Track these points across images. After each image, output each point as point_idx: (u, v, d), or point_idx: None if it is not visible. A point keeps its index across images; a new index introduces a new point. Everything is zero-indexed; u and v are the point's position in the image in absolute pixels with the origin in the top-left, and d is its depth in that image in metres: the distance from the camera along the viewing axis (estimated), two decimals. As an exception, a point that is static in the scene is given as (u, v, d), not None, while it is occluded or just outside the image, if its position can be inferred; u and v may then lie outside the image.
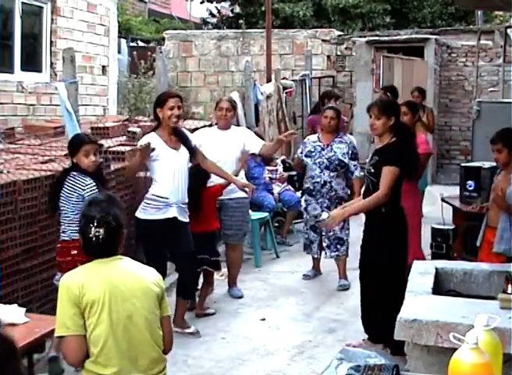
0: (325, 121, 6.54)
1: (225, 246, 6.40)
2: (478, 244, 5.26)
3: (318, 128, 8.50)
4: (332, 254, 6.51)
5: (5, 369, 1.59)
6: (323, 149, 6.42)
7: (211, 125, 7.90)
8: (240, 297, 6.32)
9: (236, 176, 6.04)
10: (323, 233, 6.49)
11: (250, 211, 6.74)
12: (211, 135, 6.21)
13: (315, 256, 6.78)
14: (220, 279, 6.67)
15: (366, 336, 4.97)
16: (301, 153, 6.59)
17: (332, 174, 6.37)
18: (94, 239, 2.91)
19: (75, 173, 4.58)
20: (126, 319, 2.85)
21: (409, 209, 5.26)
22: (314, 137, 6.65)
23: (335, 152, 6.38)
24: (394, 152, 4.71)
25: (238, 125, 8.06)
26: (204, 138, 6.11)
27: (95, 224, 2.91)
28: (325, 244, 6.55)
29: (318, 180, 6.41)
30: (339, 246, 6.47)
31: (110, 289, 2.84)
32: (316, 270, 6.94)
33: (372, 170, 4.78)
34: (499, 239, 4.90)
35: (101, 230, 2.91)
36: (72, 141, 4.79)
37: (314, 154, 6.45)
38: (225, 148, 6.06)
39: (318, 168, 6.40)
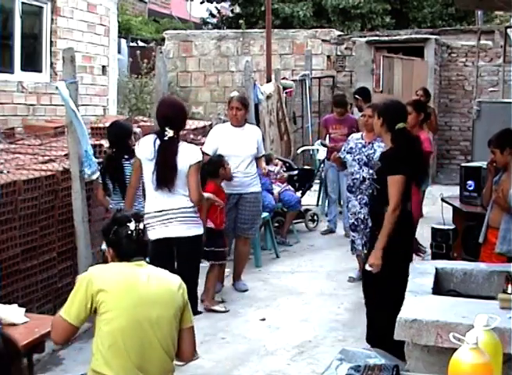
0: (362, 120, 6.60)
1: (236, 240, 6.49)
2: (480, 240, 5.25)
3: (330, 128, 8.56)
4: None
5: (11, 370, 1.61)
6: (364, 146, 6.37)
7: (211, 125, 7.92)
8: (245, 290, 6.44)
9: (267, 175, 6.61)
10: (360, 231, 6.30)
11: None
12: (226, 132, 6.37)
13: (360, 254, 6.54)
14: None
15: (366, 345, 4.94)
16: (344, 150, 6.55)
17: (371, 171, 6.29)
18: (134, 234, 2.98)
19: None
20: (140, 324, 2.85)
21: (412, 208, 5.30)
22: (358, 135, 6.61)
23: (375, 150, 6.26)
24: (394, 160, 4.64)
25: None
26: (220, 135, 6.35)
27: (133, 220, 3.00)
28: (362, 242, 6.33)
29: (357, 176, 6.35)
30: None
31: (128, 292, 2.88)
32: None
33: (375, 176, 4.78)
34: (502, 240, 4.91)
35: (141, 225, 3.01)
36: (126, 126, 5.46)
37: (354, 150, 6.41)
38: (241, 144, 6.26)
39: (357, 164, 6.35)
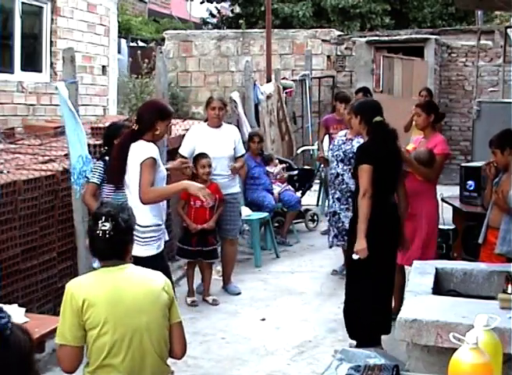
0: (347, 118, 6.65)
1: (222, 241, 6.45)
2: (480, 241, 5.27)
3: (331, 128, 8.59)
4: (339, 243, 6.45)
5: (33, 359, 1.64)
6: (344, 143, 6.43)
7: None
8: (239, 293, 6.38)
9: (235, 174, 6.35)
10: (332, 224, 6.47)
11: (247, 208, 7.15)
12: (203, 133, 6.30)
13: (330, 246, 6.69)
14: (219, 279, 6.68)
15: None
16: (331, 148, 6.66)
17: (345, 167, 6.33)
18: (100, 235, 2.82)
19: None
20: (131, 334, 2.78)
21: (426, 212, 5.41)
22: (343, 132, 6.66)
23: (352, 146, 6.31)
24: (363, 151, 4.85)
25: (238, 125, 8.08)
26: (197, 136, 6.27)
27: (102, 219, 2.83)
28: (333, 234, 6.49)
29: (333, 171, 6.45)
30: (345, 237, 6.42)
31: (115, 303, 2.78)
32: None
33: (352, 171, 5.00)
34: (502, 240, 4.92)
35: (108, 225, 2.82)
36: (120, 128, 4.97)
37: (334, 147, 6.50)
38: (218, 145, 6.20)
39: (335, 160, 6.43)
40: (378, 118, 4.82)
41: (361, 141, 6.29)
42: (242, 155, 6.51)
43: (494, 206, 5.20)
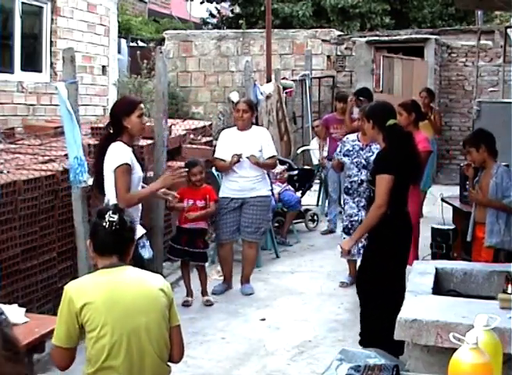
0: (357, 124, 6.64)
1: (242, 243, 6.52)
2: (468, 239, 5.36)
3: (331, 128, 8.57)
4: None
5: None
6: (362, 149, 6.31)
7: (211, 125, 7.90)
8: (250, 294, 6.39)
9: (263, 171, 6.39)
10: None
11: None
12: (231, 136, 6.39)
13: (347, 258, 6.46)
14: (220, 279, 6.67)
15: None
16: (340, 152, 6.48)
17: (369, 174, 6.26)
18: (107, 226, 2.84)
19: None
20: (130, 335, 2.78)
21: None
22: (353, 136, 6.52)
23: (373, 152, 6.14)
24: (382, 159, 4.65)
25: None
26: (225, 139, 6.39)
27: (110, 212, 2.88)
28: (360, 245, 6.08)
29: (355, 179, 6.29)
30: None
31: (114, 304, 2.78)
32: (353, 276, 6.49)
33: (370, 178, 4.80)
34: (490, 233, 5.08)
35: (116, 217, 2.86)
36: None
37: (352, 153, 6.34)
38: (242, 148, 6.23)
39: (355, 167, 6.29)
40: (391, 121, 4.63)
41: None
42: (271, 157, 6.41)
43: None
